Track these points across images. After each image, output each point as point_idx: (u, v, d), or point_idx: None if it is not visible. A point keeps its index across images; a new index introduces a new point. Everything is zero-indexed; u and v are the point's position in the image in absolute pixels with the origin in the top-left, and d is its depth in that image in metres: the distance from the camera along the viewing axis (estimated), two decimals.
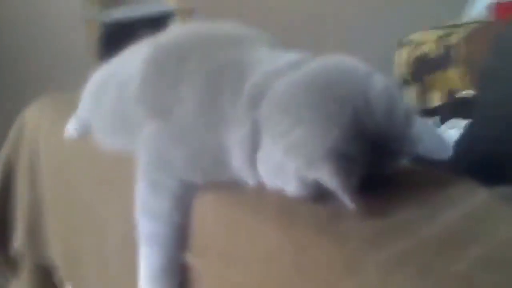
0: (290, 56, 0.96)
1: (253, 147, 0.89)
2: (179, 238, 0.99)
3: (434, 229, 0.78)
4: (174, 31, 1.13)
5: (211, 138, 0.94)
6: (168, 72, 1.03)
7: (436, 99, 2.67)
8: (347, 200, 0.79)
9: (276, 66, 0.93)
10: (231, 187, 0.95)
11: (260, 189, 0.91)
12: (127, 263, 1.17)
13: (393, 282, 0.72)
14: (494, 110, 1.14)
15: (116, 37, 2.85)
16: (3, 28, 2.77)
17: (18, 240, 1.53)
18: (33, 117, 1.51)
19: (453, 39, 2.69)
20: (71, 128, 1.30)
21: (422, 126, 0.88)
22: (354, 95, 0.84)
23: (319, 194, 0.84)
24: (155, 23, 2.86)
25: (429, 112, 0.94)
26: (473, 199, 0.84)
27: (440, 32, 2.81)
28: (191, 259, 0.99)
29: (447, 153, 0.88)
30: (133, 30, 2.80)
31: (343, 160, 0.80)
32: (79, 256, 1.37)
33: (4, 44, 2.77)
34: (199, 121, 0.96)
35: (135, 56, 1.15)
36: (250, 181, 0.92)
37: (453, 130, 1.40)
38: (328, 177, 0.80)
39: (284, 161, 0.85)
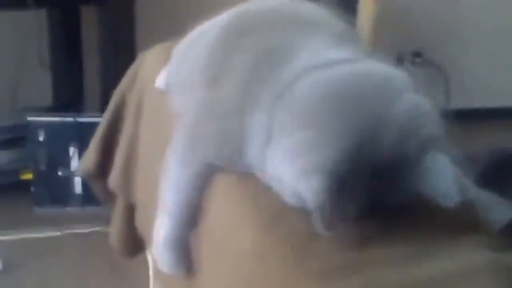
0: (338, 53, 0.89)
1: (267, 139, 0.84)
2: (190, 216, 0.99)
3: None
4: (257, 1, 1.09)
5: (238, 119, 0.89)
6: (228, 44, 1.00)
7: None
8: (319, 225, 0.74)
9: (315, 60, 0.86)
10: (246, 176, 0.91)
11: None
12: None
13: None
14: None
15: None
16: None
17: (114, 179, 1.53)
18: (147, 59, 1.50)
19: None
20: (160, 80, 1.29)
21: (435, 164, 0.79)
22: (371, 114, 0.77)
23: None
24: None
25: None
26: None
27: None
28: (197, 239, 1.00)
29: (453, 201, 0.78)
30: None
31: (335, 181, 0.74)
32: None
33: None
34: (236, 98, 0.92)
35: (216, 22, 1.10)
36: (260, 175, 0.88)
37: None
38: (310, 194, 0.75)
39: (280, 165, 0.81)
